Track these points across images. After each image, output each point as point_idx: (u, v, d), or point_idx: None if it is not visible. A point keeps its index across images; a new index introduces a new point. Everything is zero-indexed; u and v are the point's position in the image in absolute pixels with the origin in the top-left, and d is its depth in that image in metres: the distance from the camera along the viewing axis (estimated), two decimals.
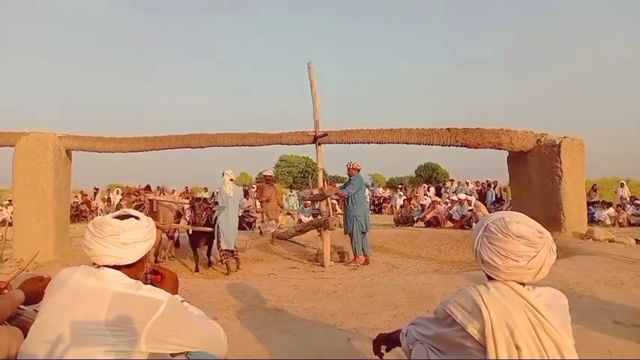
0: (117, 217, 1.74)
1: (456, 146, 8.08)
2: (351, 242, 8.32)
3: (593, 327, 3.41)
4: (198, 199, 8.31)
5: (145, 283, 1.73)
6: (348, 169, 8.55)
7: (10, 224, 8.47)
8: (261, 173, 15.91)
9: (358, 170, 8.57)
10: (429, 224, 13.24)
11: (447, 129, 8.01)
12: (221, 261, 7.89)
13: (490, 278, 1.63)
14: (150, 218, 1.87)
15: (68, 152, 8.18)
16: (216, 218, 7.73)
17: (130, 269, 1.70)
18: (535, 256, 1.55)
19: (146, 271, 1.89)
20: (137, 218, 1.76)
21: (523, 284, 1.59)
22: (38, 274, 2.29)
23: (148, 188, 9.52)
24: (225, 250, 7.66)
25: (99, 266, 1.68)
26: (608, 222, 13.37)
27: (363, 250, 8.22)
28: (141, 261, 1.76)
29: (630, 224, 13.08)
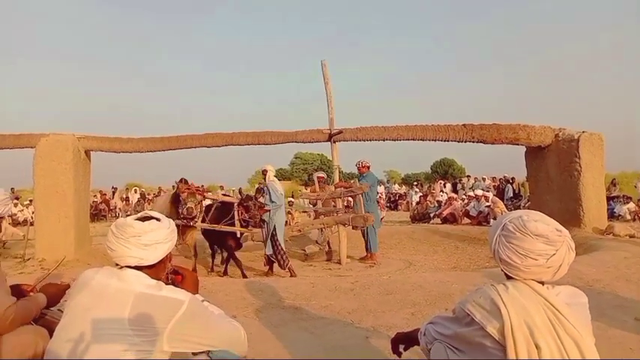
0: (138, 219, 1.77)
1: (472, 142, 8.05)
2: (365, 239, 8.32)
3: (613, 324, 3.38)
4: (250, 196, 7.75)
5: (166, 284, 1.76)
6: (359, 168, 8.58)
7: (32, 224, 8.60)
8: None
9: (368, 168, 8.60)
10: (445, 221, 13.17)
11: (463, 125, 7.98)
12: (283, 265, 7.17)
13: (509, 277, 1.63)
14: (170, 220, 1.89)
15: (87, 153, 8.30)
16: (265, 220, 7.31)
17: (151, 270, 1.74)
18: (554, 254, 1.55)
19: (167, 271, 1.92)
20: (158, 220, 1.80)
21: (542, 283, 1.59)
22: (61, 277, 2.35)
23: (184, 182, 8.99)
24: (283, 251, 7.18)
25: (121, 267, 1.72)
26: (628, 217, 13.16)
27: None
28: (162, 262, 1.79)
29: None
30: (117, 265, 1.74)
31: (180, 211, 7.20)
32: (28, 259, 7.31)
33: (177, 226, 6.71)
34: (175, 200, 7.44)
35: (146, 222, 1.75)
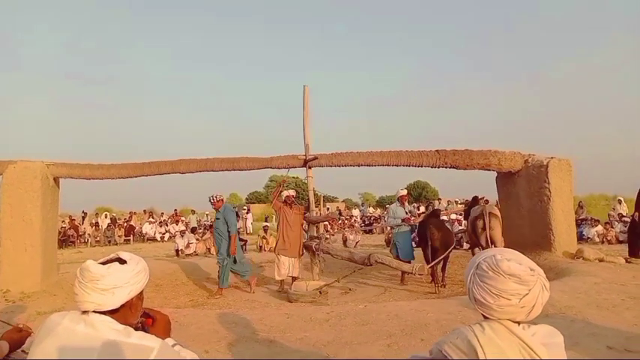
0: (102, 262, 1.71)
1: (445, 167, 8.17)
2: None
3: (587, 353, 3.42)
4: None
5: (135, 327, 1.70)
6: (213, 203, 8.37)
7: None
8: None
9: (223, 201, 8.49)
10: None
11: (436, 151, 8.10)
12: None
13: (485, 317, 1.63)
14: (140, 260, 1.81)
15: (56, 180, 8.10)
16: None
17: (116, 314, 1.67)
18: (527, 294, 1.55)
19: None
20: (123, 262, 1.73)
21: (518, 323, 1.59)
22: (26, 308, 2.28)
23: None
24: None
25: (86, 311, 1.65)
26: (597, 239, 13.48)
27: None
28: (128, 306, 1.72)
29: (619, 241, 13.15)
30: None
31: None
32: None
33: None
34: None
35: (106, 265, 1.68)
